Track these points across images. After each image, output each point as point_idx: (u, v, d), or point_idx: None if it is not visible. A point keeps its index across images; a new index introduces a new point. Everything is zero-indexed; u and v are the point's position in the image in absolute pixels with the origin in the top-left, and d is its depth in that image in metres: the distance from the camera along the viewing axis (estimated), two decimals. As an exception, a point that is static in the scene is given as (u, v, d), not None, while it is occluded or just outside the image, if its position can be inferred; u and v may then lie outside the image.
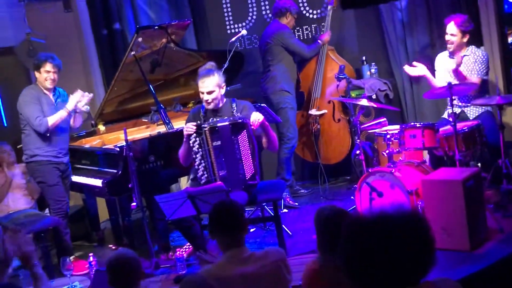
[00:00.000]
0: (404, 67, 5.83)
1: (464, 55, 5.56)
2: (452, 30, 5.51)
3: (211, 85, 4.74)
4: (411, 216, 1.66)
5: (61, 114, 5.24)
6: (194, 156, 4.73)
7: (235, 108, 4.86)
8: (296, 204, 6.18)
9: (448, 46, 5.59)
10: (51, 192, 5.34)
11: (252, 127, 4.69)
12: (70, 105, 5.27)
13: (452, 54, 5.58)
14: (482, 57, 5.54)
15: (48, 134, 5.24)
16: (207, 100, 4.78)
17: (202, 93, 4.79)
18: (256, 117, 4.70)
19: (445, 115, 5.66)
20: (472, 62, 5.53)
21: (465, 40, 5.53)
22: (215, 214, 3.03)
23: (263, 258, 2.95)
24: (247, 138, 4.67)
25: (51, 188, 5.33)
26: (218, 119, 4.74)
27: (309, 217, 5.82)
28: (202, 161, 4.72)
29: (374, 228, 1.60)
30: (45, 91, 5.33)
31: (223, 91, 4.83)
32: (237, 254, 2.92)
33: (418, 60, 6.43)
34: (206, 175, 4.72)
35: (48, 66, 5.27)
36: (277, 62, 6.26)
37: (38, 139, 5.27)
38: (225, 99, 4.89)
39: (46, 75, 5.27)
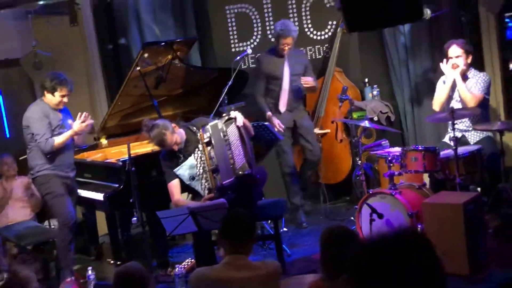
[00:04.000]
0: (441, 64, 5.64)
1: (466, 76, 5.59)
2: (456, 52, 5.53)
3: (171, 140, 4.76)
4: (419, 238, 1.67)
5: (67, 135, 5.17)
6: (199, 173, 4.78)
7: (196, 130, 4.90)
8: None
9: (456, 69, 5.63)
10: (57, 202, 5.19)
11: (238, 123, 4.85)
12: (77, 127, 5.17)
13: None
14: (483, 77, 5.56)
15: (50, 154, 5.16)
16: (176, 147, 4.83)
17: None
18: (240, 115, 4.86)
19: (446, 139, 5.69)
20: (474, 83, 5.55)
21: (469, 61, 5.56)
22: (229, 223, 3.28)
23: (258, 268, 3.17)
24: (236, 130, 4.82)
25: (57, 199, 5.18)
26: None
27: (308, 237, 5.83)
28: (204, 174, 4.76)
29: (383, 253, 1.61)
30: (52, 107, 5.24)
31: (177, 129, 4.85)
32: (234, 260, 3.15)
33: (419, 83, 6.51)
34: (207, 185, 4.75)
35: (65, 90, 5.18)
36: None
37: (44, 154, 5.17)
38: (181, 130, 4.92)
39: (60, 98, 5.18)
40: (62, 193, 5.20)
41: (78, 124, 5.15)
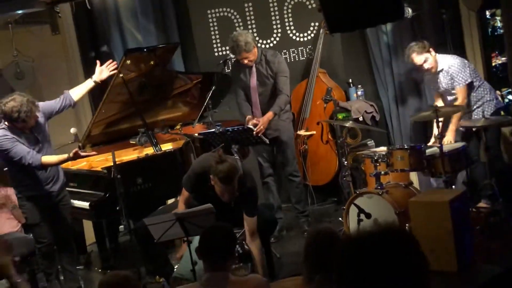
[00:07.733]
0: None
1: (441, 70, 5.58)
2: (420, 60, 5.56)
3: (233, 185, 4.39)
4: (403, 235, 1.66)
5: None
6: None
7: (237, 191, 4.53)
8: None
9: (433, 72, 5.63)
10: (33, 231, 5.13)
11: None
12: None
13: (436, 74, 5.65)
14: (457, 65, 5.52)
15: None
16: (226, 197, 4.47)
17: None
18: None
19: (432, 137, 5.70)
20: (449, 77, 5.55)
21: (433, 54, 5.55)
22: (206, 237, 3.15)
23: (241, 284, 3.05)
24: None
25: (33, 227, 5.10)
26: None
27: (296, 239, 5.82)
28: None
29: (368, 249, 1.60)
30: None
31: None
32: (215, 277, 3.04)
33: (403, 82, 6.53)
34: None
35: (38, 113, 4.84)
36: None
37: (18, 173, 4.95)
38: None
39: (34, 120, 4.83)
40: (36, 221, 5.04)
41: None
